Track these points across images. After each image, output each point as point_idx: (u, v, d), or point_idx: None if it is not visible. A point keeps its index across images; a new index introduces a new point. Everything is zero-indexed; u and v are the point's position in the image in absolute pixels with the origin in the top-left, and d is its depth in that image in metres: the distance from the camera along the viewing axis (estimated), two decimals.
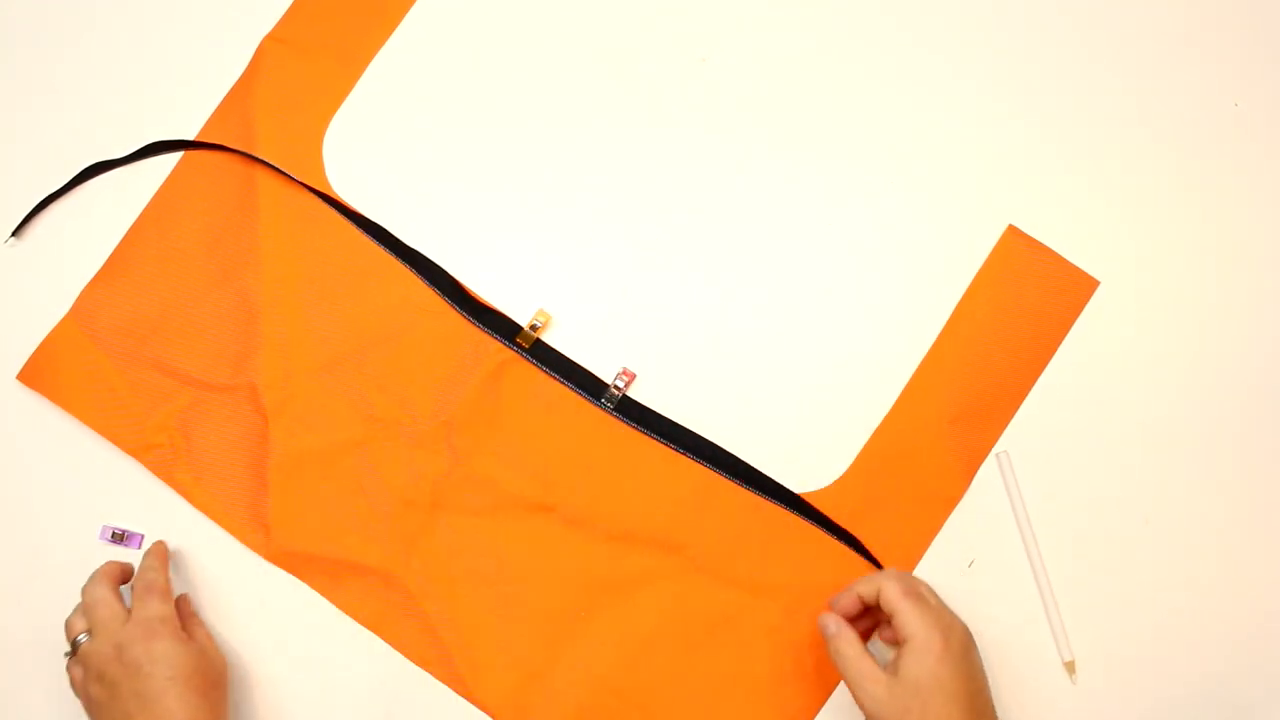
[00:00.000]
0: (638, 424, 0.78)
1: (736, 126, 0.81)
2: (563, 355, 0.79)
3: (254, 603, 0.77)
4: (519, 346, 0.78)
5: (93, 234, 0.80)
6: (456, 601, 0.76)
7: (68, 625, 0.72)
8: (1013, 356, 0.78)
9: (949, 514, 0.77)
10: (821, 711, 0.75)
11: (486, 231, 0.80)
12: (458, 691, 0.76)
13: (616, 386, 0.78)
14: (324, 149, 0.81)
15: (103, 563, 0.74)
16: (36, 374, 0.78)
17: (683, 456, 0.77)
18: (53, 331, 0.79)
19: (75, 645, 0.70)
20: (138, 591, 0.72)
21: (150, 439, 0.78)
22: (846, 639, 0.69)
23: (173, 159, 0.81)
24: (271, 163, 0.79)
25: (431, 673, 0.76)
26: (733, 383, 0.78)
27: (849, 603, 0.70)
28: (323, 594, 0.77)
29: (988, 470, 0.77)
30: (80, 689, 0.70)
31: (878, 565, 0.76)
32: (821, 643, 0.72)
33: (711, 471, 0.77)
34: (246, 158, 0.80)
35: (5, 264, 0.80)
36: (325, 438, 0.78)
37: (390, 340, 0.79)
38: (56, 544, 0.77)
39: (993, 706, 0.68)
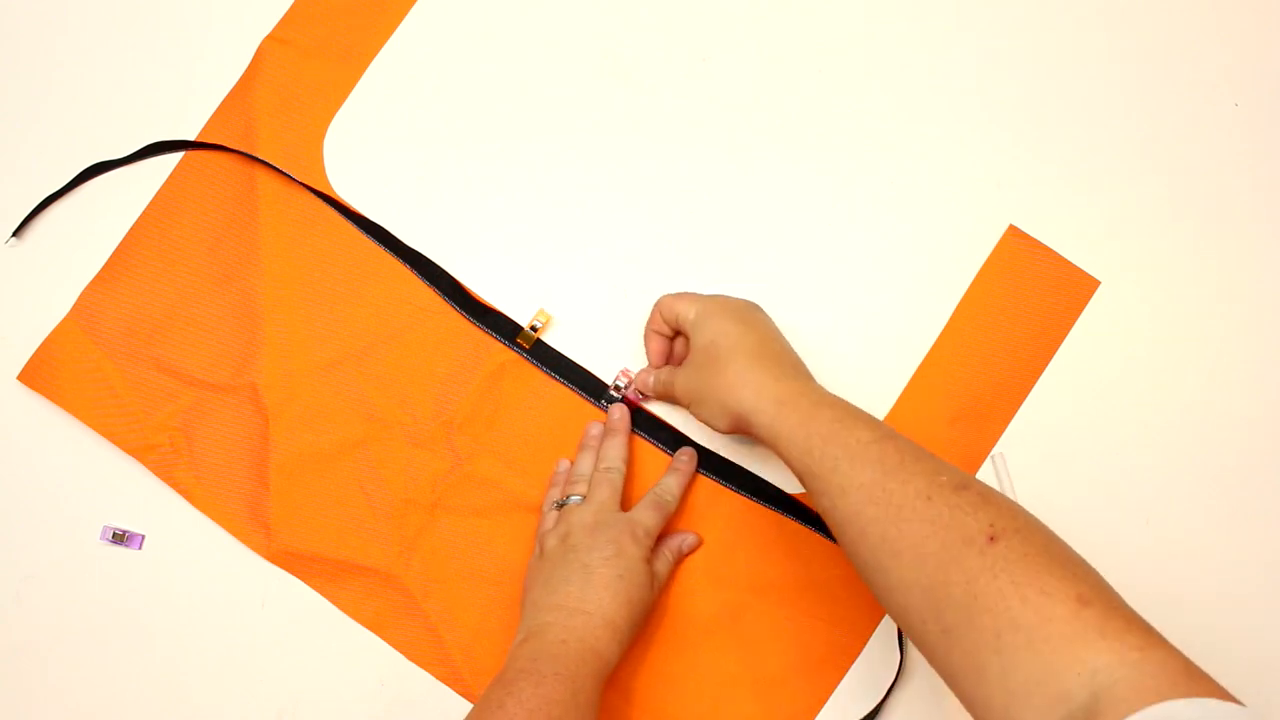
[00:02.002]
0: (638, 426, 0.78)
1: (737, 127, 0.81)
2: (563, 355, 0.78)
3: (254, 603, 0.77)
4: (519, 347, 0.78)
5: (93, 234, 0.80)
6: (457, 601, 0.76)
7: (569, 479, 0.76)
8: (1013, 357, 0.78)
9: None
10: (822, 711, 0.75)
11: (486, 231, 0.80)
12: (458, 691, 0.76)
13: (617, 387, 0.78)
14: (324, 149, 0.81)
15: (620, 421, 0.77)
16: (37, 374, 0.78)
17: None
18: (53, 332, 0.79)
19: (565, 500, 0.75)
20: (650, 501, 0.75)
21: (151, 439, 0.77)
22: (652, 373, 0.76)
23: (173, 159, 0.81)
24: (272, 163, 0.79)
25: (431, 673, 0.76)
26: None
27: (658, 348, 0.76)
28: (323, 594, 0.77)
29: (989, 471, 0.77)
30: (543, 533, 0.74)
31: None
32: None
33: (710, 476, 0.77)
34: (247, 158, 0.80)
35: (5, 264, 0.80)
36: (326, 438, 0.78)
37: (391, 340, 0.79)
38: (56, 544, 0.77)
39: (791, 352, 0.73)
